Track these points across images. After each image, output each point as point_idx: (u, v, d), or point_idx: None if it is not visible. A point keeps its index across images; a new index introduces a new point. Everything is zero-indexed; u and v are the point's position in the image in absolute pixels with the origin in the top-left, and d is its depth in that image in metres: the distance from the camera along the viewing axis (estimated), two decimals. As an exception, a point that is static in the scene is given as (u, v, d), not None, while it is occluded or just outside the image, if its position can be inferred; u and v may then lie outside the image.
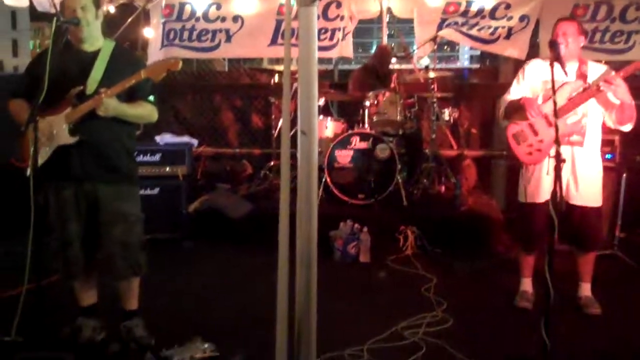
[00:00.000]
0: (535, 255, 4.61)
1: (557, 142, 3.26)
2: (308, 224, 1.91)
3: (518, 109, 4.28)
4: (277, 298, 2.15)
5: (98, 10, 3.75)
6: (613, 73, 4.12)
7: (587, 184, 4.30)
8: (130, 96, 3.72)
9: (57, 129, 3.62)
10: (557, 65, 3.73)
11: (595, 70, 4.29)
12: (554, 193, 3.23)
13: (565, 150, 3.86)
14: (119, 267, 3.83)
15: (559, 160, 3.23)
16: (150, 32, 8.31)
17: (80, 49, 3.74)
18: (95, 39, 3.76)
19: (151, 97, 3.82)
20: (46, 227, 3.71)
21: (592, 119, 4.28)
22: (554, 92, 3.44)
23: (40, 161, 3.54)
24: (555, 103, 3.36)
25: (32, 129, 3.32)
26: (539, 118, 4.17)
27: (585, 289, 4.62)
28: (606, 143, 5.26)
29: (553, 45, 3.83)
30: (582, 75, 4.23)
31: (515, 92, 4.44)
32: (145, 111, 3.84)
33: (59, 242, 3.78)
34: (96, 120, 3.61)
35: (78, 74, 3.66)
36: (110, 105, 3.57)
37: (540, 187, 4.31)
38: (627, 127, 4.33)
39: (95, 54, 3.72)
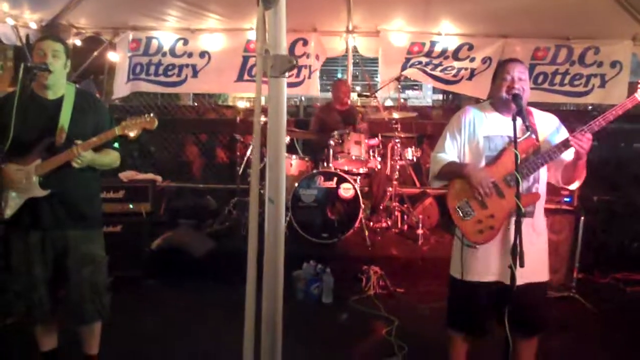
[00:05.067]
0: (469, 342, 3.85)
1: (518, 196, 3.07)
2: (274, 288, 1.94)
3: (459, 177, 3.56)
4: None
5: (67, 60, 3.76)
6: (559, 122, 3.64)
7: (536, 258, 3.54)
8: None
9: (27, 180, 3.62)
10: (496, 117, 3.58)
11: (543, 120, 3.63)
12: (513, 247, 3.05)
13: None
14: (86, 310, 3.83)
15: (519, 214, 3.07)
16: (115, 56, 8.34)
17: (42, 96, 3.72)
18: (59, 88, 3.75)
19: (116, 144, 3.84)
20: (7, 270, 3.69)
21: (542, 184, 3.61)
22: (516, 147, 3.16)
23: (10, 212, 3.55)
24: (517, 156, 3.10)
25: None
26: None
27: None
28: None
29: (516, 98, 3.37)
30: (530, 128, 3.38)
31: (452, 150, 3.68)
32: (112, 159, 3.89)
33: (23, 285, 3.73)
34: (65, 170, 3.63)
35: (44, 123, 3.65)
36: (85, 158, 3.62)
37: (488, 263, 3.54)
38: (575, 185, 3.68)
39: (59, 102, 3.71)
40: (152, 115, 3.78)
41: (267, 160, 1.95)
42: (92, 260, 3.84)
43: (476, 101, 8.06)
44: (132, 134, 3.73)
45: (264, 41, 1.87)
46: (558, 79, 8.02)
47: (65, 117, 3.67)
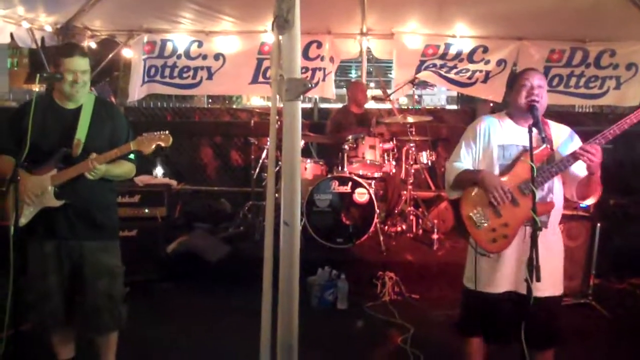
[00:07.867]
0: (486, 347, 3.77)
1: (534, 208, 3.02)
2: (289, 317, 1.93)
3: (474, 185, 3.51)
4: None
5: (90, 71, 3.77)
6: (573, 133, 3.61)
7: (551, 271, 3.45)
8: None
9: (43, 190, 3.62)
10: (512, 126, 3.56)
11: (557, 131, 3.59)
12: (529, 261, 2.98)
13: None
14: (103, 320, 3.83)
15: (535, 227, 3.01)
16: (129, 53, 8.38)
17: (62, 105, 3.73)
18: (79, 98, 3.75)
19: (131, 155, 3.84)
20: (23, 276, 3.70)
21: (558, 195, 3.56)
22: (532, 159, 3.13)
23: (24, 221, 3.56)
24: (533, 169, 3.08)
25: (13, 189, 3.32)
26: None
27: None
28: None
29: (533, 109, 3.36)
30: (547, 139, 3.41)
31: (467, 158, 3.66)
32: (127, 169, 3.89)
33: (37, 294, 3.73)
34: (81, 181, 3.63)
35: (61, 133, 3.66)
36: (100, 171, 3.61)
37: (502, 274, 3.52)
38: (590, 201, 3.62)
39: (77, 112, 3.72)
40: (167, 132, 3.80)
41: (282, 183, 1.94)
42: (109, 271, 3.84)
43: (492, 111, 8.00)
44: (146, 150, 3.74)
45: (279, 66, 1.86)
46: (573, 81, 7.98)
47: (82, 128, 3.68)
